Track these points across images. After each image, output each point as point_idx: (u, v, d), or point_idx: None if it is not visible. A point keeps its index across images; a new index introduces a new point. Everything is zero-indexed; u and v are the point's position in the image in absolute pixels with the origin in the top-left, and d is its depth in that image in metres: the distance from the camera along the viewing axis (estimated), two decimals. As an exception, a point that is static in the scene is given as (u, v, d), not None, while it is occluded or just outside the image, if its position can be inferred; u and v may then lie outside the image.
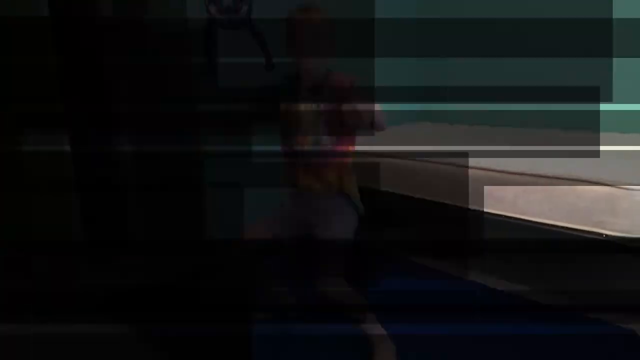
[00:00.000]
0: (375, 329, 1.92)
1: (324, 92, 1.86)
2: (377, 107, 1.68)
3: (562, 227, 2.20)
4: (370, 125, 1.65)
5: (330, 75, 1.87)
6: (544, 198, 2.23)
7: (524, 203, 2.30)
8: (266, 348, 2.10)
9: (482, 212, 2.47)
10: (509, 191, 2.34)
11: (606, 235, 2.07)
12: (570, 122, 3.07)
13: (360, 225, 1.98)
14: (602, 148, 2.49)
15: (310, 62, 1.83)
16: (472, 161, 2.51)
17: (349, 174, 1.92)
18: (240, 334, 2.06)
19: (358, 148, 2.94)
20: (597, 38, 2.88)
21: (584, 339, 1.99)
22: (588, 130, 2.96)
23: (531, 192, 2.27)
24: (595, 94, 2.90)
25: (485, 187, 2.43)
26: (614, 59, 2.85)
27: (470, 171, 2.48)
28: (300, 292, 2.29)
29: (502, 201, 2.37)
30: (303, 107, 1.90)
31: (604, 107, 2.95)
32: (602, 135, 2.83)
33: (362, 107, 1.57)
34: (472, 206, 2.50)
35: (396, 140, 3.01)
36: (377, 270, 2.68)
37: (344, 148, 1.89)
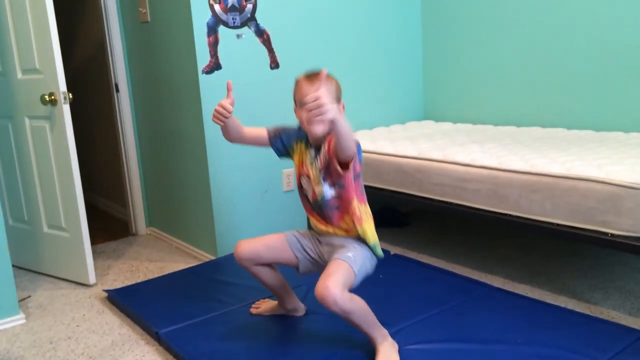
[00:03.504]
0: (378, 327, 1.93)
1: (322, 147, 1.93)
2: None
3: (566, 226, 2.19)
4: (332, 125, 1.65)
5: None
6: (548, 197, 2.23)
7: (528, 202, 2.30)
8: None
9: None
10: (513, 190, 2.34)
11: (611, 234, 2.06)
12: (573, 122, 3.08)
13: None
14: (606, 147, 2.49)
15: (317, 129, 1.88)
16: (477, 160, 2.51)
17: (360, 222, 1.95)
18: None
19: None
20: None
21: (588, 337, 1.98)
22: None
23: (535, 191, 2.26)
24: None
25: (490, 186, 2.42)
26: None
27: (475, 170, 2.48)
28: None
29: (506, 200, 2.37)
30: (311, 164, 1.97)
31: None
32: (606, 134, 2.82)
33: (324, 95, 1.57)
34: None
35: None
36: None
37: (348, 197, 1.92)
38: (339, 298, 1.74)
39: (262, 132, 2.07)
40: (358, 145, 1.85)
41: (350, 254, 1.89)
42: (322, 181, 1.94)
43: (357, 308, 1.83)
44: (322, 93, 1.59)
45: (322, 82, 1.72)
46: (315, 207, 2.02)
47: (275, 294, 2.25)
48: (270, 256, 2.10)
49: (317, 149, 1.96)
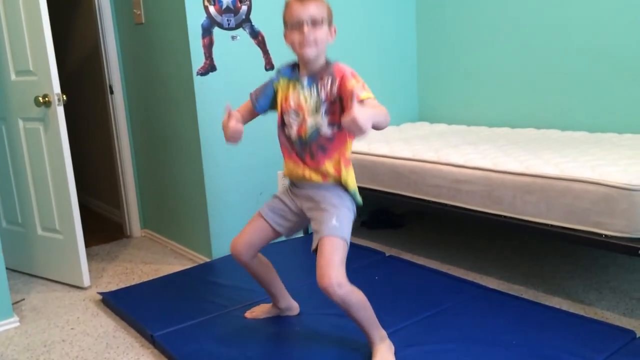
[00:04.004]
0: (377, 327, 1.93)
1: (324, 80, 1.86)
2: (377, 111, 1.68)
3: (560, 227, 2.20)
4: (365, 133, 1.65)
5: (330, 65, 1.88)
6: (542, 198, 2.23)
7: (522, 203, 2.30)
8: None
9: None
10: (508, 191, 2.34)
11: (605, 235, 2.07)
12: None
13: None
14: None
15: (309, 51, 1.83)
16: (472, 161, 2.52)
17: (347, 165, 1.91)
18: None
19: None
20: None
21: (583, 338, 1.99)
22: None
23: (529, 192, 2.27)
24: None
25: (485, 187, 2.43)
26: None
27: (469, 171, 2.48)
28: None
29: (500, 201, 2.38)
30: (302, 94, 1.90)
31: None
32: (600, 135, 2.83)
33: (360, 117, 1.56)
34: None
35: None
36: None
37: (342, 138, 1.90)
38: (342, 289, 1.76)
39: (247, 104, 2.05)
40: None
41: (334, 222, 1.86)
42: (322, 114, 1.86)
43: (358, 301, 1.84)
44: (356, 114, 1.56)
45: (313, 3, 1.75)
46: (297, 145, 1.93)
47: (269, 293, 2.25)
48: (261, 240, 2.08)
49: (312, 78, 1.88)
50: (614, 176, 2.06)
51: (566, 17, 3.02)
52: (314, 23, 1.81)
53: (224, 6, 2.91)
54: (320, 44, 1.83)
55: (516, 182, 2.31)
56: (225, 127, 1.91)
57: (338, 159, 1.89)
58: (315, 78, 1.88)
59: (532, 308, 2.27)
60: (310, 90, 1.88)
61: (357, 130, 1.59)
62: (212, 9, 2.87)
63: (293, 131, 1.93)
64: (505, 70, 3.34)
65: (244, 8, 2.98)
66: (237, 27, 2.98)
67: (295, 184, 2.02)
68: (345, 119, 1.59)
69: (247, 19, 3.00)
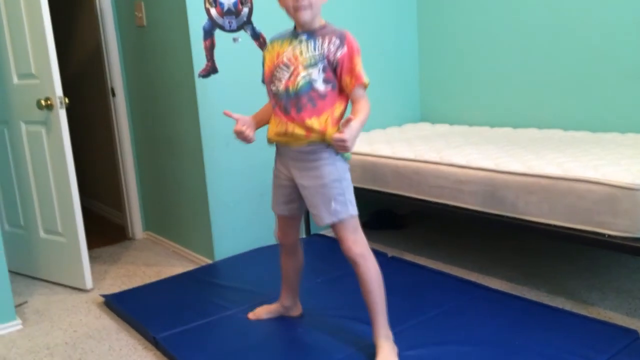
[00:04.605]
0: (386, 321, 1.93)
1: (329, 40, 1.85)
2: (363, 119, 1.80)
3: (563, 228, 2.20)
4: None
5: (333, 26, 1.89)
6: (544, 198, 2.23)
7: (525, 203, 2.30)
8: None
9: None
10: (510, 191, 2.34)
11: (608, 235, 2.06)
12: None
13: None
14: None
15: (304, 14, 1.83)
16: (474, 162, 2.52)
17: (335, 125, 1.88)
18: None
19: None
20: None
21: (586, 338, 1.98)
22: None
23: (532, 192, 2.27)
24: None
25: (487, 188, 2.42)
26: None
27: (471, 172, 2.48)
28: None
29: (502, 202, 2.37)
30: (299, 48, 1.88)
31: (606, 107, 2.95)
32: (602, 135, 2.83)
33: (350, 142, 1.72)
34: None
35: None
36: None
37: (334, 98, 1.88)
38: (366, 260, 1.92)
39: (267, 106, 2.10)
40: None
41: (334, 206, 1.89)
42: (320, 68, 1.84)
43: (377, 275, 1.93)
44: (346, 135, 1.70)
45: None
46: (283, 97, 1.90)
47: (285, 285, 2.27)
48: (291, 228, 2.16)
49: (310, 35, 1.88)
50: (617, 176, 2.06)
51: (568, 17, 3.01)
52: None
53: (226, 8, 2.91)
54: (315, 5, 1.83)
55: (518, 182, 2.31)
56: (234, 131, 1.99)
57: (326, 118, 1.87)
58: (314, 34, 1.87)
59: (535, 308, 2.27)
60: (308, 45, 1.87)
61: (341, 149, 1.76)
62: (213, 11, 2.88)
63: (281, 84, 1.90)
64: (507, 71, 3.34)
65: (245, 10, 2.99)
66: (238, 29, 2.98)
67: (281, 150, 2.01)
68: (335, 138, 1.72)
69: (248, 21, 3.00)
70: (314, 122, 1.86)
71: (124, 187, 3.62)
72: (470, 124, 3.51)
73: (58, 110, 2.63)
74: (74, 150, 2.75)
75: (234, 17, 2.95)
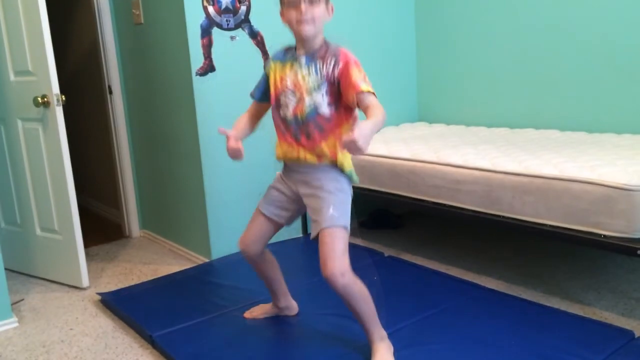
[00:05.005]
0: (378, 325, 1.93)
1: (327, 60, 1.85)
2: (376, 121, 1.73)
3: (559, 228, 2.20)
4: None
5: (335, 47, 1.87)
6: (541, 199, 2.24)
7: (521, 204, 2.30)
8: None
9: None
10: (506, 191, 2.34)
11: (604, 235, 2.07)
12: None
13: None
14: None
15: (307, 29, 1.81)
16: (471, 161, 2.52)
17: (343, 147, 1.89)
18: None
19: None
20: None
21: (582, 338, 1.99)
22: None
23: (528, 192, 2.27)
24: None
25: (484, 188, 2.43)
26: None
27: (468, 171, 2.48)
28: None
29: (499, 202, 2.38)
30: (300, 73, 1.88)
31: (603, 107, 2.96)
32: (599, 135, 2.83)
33: (361, 141, 1.61)
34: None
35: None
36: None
37: (340, 119, 1.88)
38: (344, 278, 1.80)
39: (252, 104, 2.07)
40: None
41: (332, 212, 1.86)
42: (322, 93, 1.84)
43: (360, 293, 1.86)
44: (357, 137, 1.59)
45: None
46: (292, 124, 1.91)
47: (271, 290, 2.25)
48: (265, 234, 2.10)
49: (311, 57, 1.87)
50: (613, 176, 2.06)
51: (565, 18, 3.02)
52: (312, 1, 1.79)
53: (223, 6, 2.91)
54: (318, 21, 1.81)
55: (515, 182, 2.31)
56: (227, 149, 1.93)
57: (334, 141, 1.87)
58: (314, 57, 1.86)
59: (531, 308, 2.27)
60: (309, 69, 1.86)
61: (355, 151, 1.62)
62: (211, 9, 2.87)
63: (289, 111, 1.90)
64: (504, 71, 3.34)
65: (243, 8, 2.98)
66: (236, 27, 2.98)
67: (289, 166, 2.01)
68: (346, 140, 1.60)
69: (246, 19, 3.00)
70: (324, 147, 1.88)
71: (120, 185, 3.61)
72: (468, 124, 3.52)
73: (55, 107, 2.62)
74: (71, 148, 2.74)
75: (231, 15, 2.95)
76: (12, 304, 2.57)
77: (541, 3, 3.11)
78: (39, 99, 2.63)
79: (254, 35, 3.04)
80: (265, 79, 2.01)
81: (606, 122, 2.93)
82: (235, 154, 1.91)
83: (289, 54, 1.93)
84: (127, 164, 3.57)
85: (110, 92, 3.46)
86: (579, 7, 2.95)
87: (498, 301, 2.35)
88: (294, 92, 1.89)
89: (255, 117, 2.08)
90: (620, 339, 1.98)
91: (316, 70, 1.85)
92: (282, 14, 1.87)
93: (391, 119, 3.74)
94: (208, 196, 2.99)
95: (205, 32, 2.88)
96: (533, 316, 2.19)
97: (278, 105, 1.95)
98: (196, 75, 2.88)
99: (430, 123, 3.71)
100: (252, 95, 2.07)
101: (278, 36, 3.11)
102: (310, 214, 1.94)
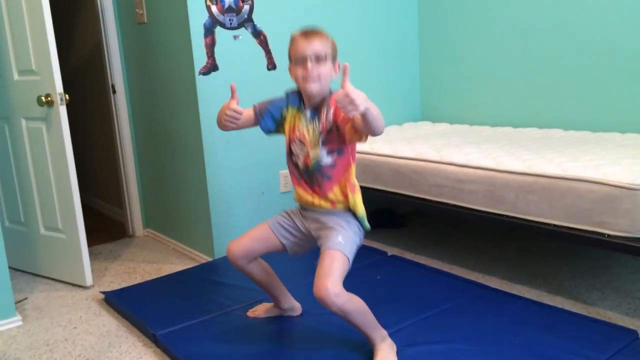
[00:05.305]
0: (377, 328, 1.93)
1: (322, 111, 1.90)
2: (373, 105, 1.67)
3: (563, 227, 2.20)
4: (362, 116, 1.63)
5: (330, 95, 1.89)
6: (544, 198, 2.23)
7: (525, 203, 2.30)
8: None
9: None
10: (510, 191, 2.34)
11: (608, 235, 2.06)
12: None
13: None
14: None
15: (313, 87, 1.85)
16: (474, 161, 2.52)
17: (353, 189, 1.94)
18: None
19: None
20: None
21: (586, 338, 1.98)
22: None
23: (532, 191, 2.27)
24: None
25: (487, 187, 2.42)
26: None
27: (472, 171, 2.48)
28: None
29: (502, 201, 2.37)
30: (306, 127, 1.93)
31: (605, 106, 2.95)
32: (603, 134, 2.83)
33: (353, 91, 1.55)
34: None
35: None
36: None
37: (345, 163, 1.91)
38: (339, 298, 1.75)
39: (249, 112, 2.01)
40: None
41: (339, 238, 1.87)
42: (320, 144, 1.89)
43: (356, 308, 1.83)
44: (349, 88, 1.56)
45: (318, 37, 1.79)
46: (305, 174, 1.96)
47: (270, 295, 2.25)
48: (261, 248, 2.08)
49: (314, 111, 1.91)
50: (617, 176, 2.06)
51: (569, 17, 3.01)
52: (318, 59, 1.84)
53: (226, 6, 2.91)
54: (324, 79, 1.86)
55: (518, 181, 2.31)
56: (224, 107, 1.87)
57: (344, 184, 1.92)
58: (318, 111, 1.91)
59: (535, 308, 2.27)
60: (312, 123, 1.91)
61: (349, 105, 1.56)
62: (214, 8, 2.88)
63: (300, 161, 1.97)
64: (508, 70, 3.34)
65: (246, 7, 2.98)
66: (239, 26, 2.98)
67: (305, 208, 2.04)
68: (339, 94, 1.57)
69: (249, 19, 3.00)
70: (336, 193, 1.93)
71: (124, 184, 3.62)
72: (471, 123, 3.51)
73: (58, 106, 2.63)
74: (75, 147, 2.75)
75: (234, 14, 2.95)
76: (16, 303, 2.57)
77: (544, 2, 3.10)
78: (43, 98, 2.63)
79: (257, 34, 3.04)
80: (280, 117, 2.01)
81: (610, 121, 2.92)
82: (230, 116, 1.85)
83: (300, 103, 1.96)
84: (130, 163, 3.57)
85: (114, 91, 3.47)
86: (583, 7, 2.95)
87: (501, 300, 2.34)
88: (302, 144, 1.94)
89: (242, 124, 2.00)
90: (624, 339, 1.98)
91: (318, 124, 1.90)
92: (290, 70, 1.93)
93: (394, 118, 3.77)
94: (211, 195, 2.99)
95: (209, 31, 2.88)
96: (536, 316, 2.19)
97: (291, 153, 2.00)
98: (199, 74, 2.88)
99: (434, 122, 3.71)
100: (256, 114, 2.01)
101: (281, 35, 3.12)
102: (318, 243, 1.96)
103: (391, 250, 3.07)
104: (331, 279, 1.77)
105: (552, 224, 2.23)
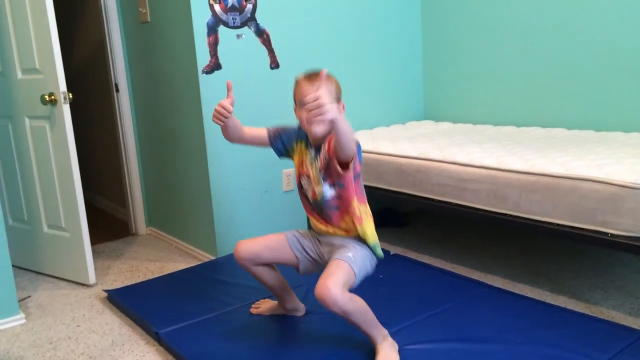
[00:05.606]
0: (378, 327, 1.93)
1: (322, 148, 1.94)
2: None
3: (566, 227, 2.19)
4: (333, 126, 1.65)
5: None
6: (547, 197, 2.23)
7: (528, 202, 2.30)
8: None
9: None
10: (513, 190, 2.34)
11: (611, 234, 2.06)
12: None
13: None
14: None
15: (317, 130, 1.89)
16: (477, 160, 2.51)
17: (360, 222, 1.95)
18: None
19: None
20: None
21: (588, 337, 1.98)
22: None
23: (535, 191, 2.26)
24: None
25: (490, 186, 2.42)
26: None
27: (474, 170, 2.48)
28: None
29: (505, 200, 2.37)
30: (311, 164, 1.97)
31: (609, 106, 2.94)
32: (606, 134, 2.82)
33: (324, 97, 1.57)
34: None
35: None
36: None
37: (349, 192, 1.92)
38: (339, 298, 1.75)
39: (262, 132, 2.07)
40: (358, 145, 1.86)
41: (350, 254, 1.90)
42: (322, 181, 1.94)
43: (357, 308, 1.83)
44: (322, 93, 1.59)
45: (322, 81, 1.75)
46: (315, 207, 2.02)
47: (275, 294, 2.25)
48: (270, 256, 2.10)
49: (317, 149, 1.96)
50: (621, 175, 2.05)
51: (572, 16, 3.00)
52: None
53: (229, 4, 2.91)
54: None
55: (521, 181, 2.30)
56: (218, 105, 1.88)
57: (352, 212, 1.93)
58: (319, 149, 1.95)
59: (538, 307, 2.26)
60: (315, 162, 1.95)
61: (317, 109, 1.57)
62: (217, 7, 2.88)
63: (309, 194, 2.01)
64: (511, 69, 3.33)
65: (249, 6, 2.98)
66: (242, 25, 2.98)
67: (320, 234, 2.08)
68: (308, 97, 1.58)
69: (252, 18, 3.00)
70: (347, 222, 1.96)
71: (127, 182, 3.62)
72: (474, 122, 3.51)
73: (62, 105, 2.63)
74: (78, 145, 2.75)
75: (237, 13, 2.95)
76: (19, 301, 2.58)
77: (547, 2, 3.09)
78: (46, 96, 2.64)
79: (260, 33, 3.04)
80: (291, 147, 2.05)
81: (613, 120, 2.92)
82: (221, 112, 1.87)
83: (307, 139, 2.00)
84: (133, 162, 3.58)
85: (117, 90, 3.47)
86: (585, 6, 2.94)
87: (504, 300, 2.34)
88: (309, 179, 1.98)
89: (251, 136, 2.05)
90: (626, 338, 1.97)
91: (318, 162, 1.94)
92: (295, 111, 1.97)
93: (397, 117, 3.77)
94: (214, 194, 3.00)
95: (212, 30, 2.88)
96: (539, 315, 2.18)
97: (301, 186, 2.04)
98: (202, 73, 2.88)
99: (437, 121, 3.71)
100: (270, 137, 2.05)
101: (284, 35, 3.13)
102: (327, 259, 1.97)
103: (394, 249, 3.07)
104: (333, 279, 1.78)
105: (555, 224, 2.23)
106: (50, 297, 2.76)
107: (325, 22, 3.30)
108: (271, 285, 2.18)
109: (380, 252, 2.01)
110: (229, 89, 1.89)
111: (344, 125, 1.68)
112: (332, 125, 1.67)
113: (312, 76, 1.89)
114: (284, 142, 2.05)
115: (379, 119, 3.62)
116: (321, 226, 2.03)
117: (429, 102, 3.84)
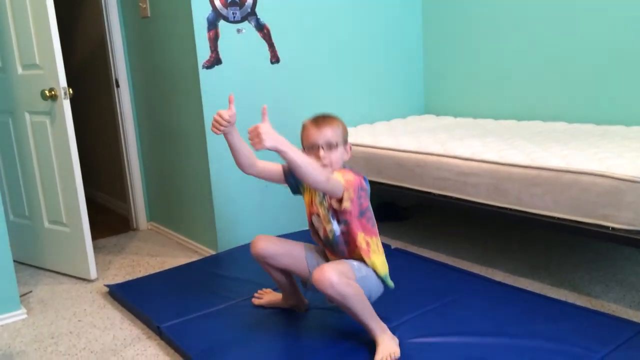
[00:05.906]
0: (376, 320, 1.93)
1: None
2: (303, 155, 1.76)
3: (567, 220, 2.19)
4: (286, 159, 1.72)
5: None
6: (548, 191, 2.23)
7: (528, 196, 2.29)
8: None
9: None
10: (514, 184, 2.34)
11: (612, 228, 2.06)
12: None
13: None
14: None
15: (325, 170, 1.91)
16: (478, 154, 2.51)
17: (367, 254, 1.97)
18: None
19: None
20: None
21: (589, 330, 1.98)
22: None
23: (536, 185, 2.26)
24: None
25: (491, 180, 2.42)
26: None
27: (475, 164, 2.48)
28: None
29: (506, 194, 2.37)
30: (320, 204, 1.99)
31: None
32: (607, 127, 2.81)
33: (264, 127, 1.68)
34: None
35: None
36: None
37: (354, 232, 1.95)
38: (335, 280, 1.79)
39: (276, 167, 2.08)
40: (365, 180, 1.93)
41: (355, 264, 1.94)
42: (331, 219, 1.97)
43: (354, 293, 1.84)
44: (263, 125, 1.68)
45: (332, 125, 1.90)
46: (327, 244, 2.05)
47: (281, 288, 2.25)
48: (284, 262, 2.11)
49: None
50: (622, 169, 2.05)
51: (573, 9, 2.99)
52: (329, 146, 1.92)
53: (229, -1, 2.91)
54: (335, 164, 1.94)
55: (522, 174, 2.30)
56: (216, 114, 1.87)
57: (359, 246, 1.96)
58: None
59: (538, 300, 2.27)
60: (324, 201, 1.98)
61: (255, 137, 1.68)
62: (217, 2, 2.87)
63: (321, 232, 2.04)
64: (512, 63, 3.32)
65: (250, 1, 2.98)
66: (242, 20, 2.97)
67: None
68: (250, 128, 1.69)
69: (252, 12, 3.00)
70: (359, 254, 1.98)
71: (128, 178, 3.63)
72: (475, 116, 3.50)
73: (62, 100, 2.63)
74: (78, 140, 2.75)
75: (238, 8, 2.94)
76: (20, 296, 2.59)
77: (549, -6, 3.09)
78: (47, 92, 2.64)
79: (261, 28, 3.03)
80: (299, 184, 2.06)
81: (614, 114, 2.91)
82: (218, 121, 1.86)
83: None
84: (134, 157, 3.58)
85: (117, 85, 3.47)
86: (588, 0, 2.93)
87: (505, 293, 2.34)
88: (319, 218, 2.01)
89: (264, 168, 2.08)
90: (627, 332, 1.97)
91: (326, 202, 1.97)
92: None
93: (398, 111, 3.77)
94: (214, 189, 3.00)
95: (212, 25, 2.88)
96: (540, 308, 2.19)
97: (312, 224, 2.07)
98: (203, 68, 2.88)
99: (438, 115, 3.70)
100: (285, 172, 2.07)
101: (284, 29, 3.12)
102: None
103: (394, 244, 3.07)
104: (331, 266, 1.84)
105: (556, 217, 2.23)
106: (52, 292, 2.77)
107: (325, 17, 3.29)
108: (279, 279, 2.19)
109: (390, 283, 2.04)
110: (230, 102, 1.89)
111: (294, 157, 1.71)
112: (280, 154, 1.72)
113: (319, 120, 1.96)
114: (296, 180, 2.05)
115: (380, 113, 3.61)
116: (334, 259, 2.05)
117: (430, 96, 3.84)
